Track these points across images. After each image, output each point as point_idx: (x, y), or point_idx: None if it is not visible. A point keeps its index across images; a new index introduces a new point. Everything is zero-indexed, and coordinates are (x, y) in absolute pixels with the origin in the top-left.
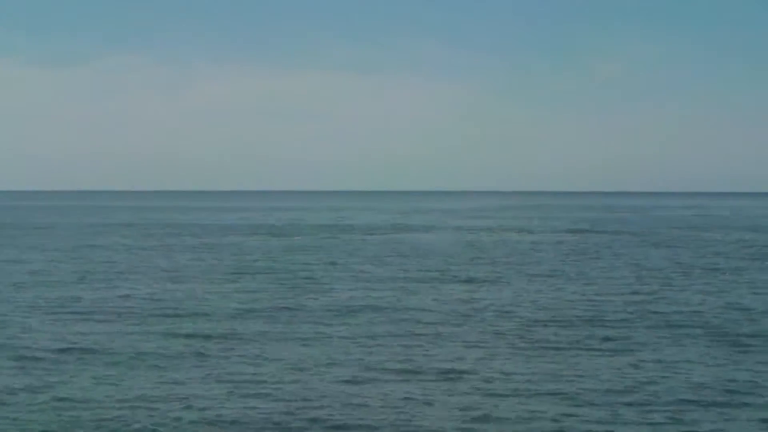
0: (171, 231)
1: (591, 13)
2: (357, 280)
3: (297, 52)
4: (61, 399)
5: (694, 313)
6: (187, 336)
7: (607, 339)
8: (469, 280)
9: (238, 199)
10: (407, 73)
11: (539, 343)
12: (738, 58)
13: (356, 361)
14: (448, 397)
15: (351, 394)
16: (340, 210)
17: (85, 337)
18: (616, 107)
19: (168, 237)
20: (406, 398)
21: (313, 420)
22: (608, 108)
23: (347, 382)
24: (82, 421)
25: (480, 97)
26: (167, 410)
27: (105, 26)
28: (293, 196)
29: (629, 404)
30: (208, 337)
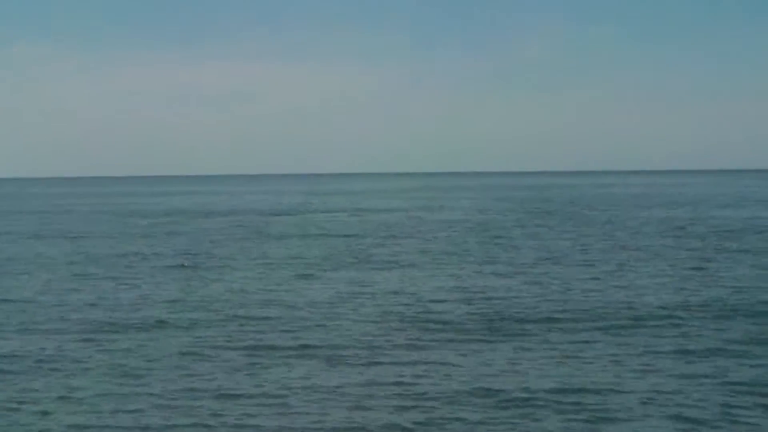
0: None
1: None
2: (255, 265)
3: (217, 41)
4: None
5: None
6: None
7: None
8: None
9: (161, 184)
10: (328, 58)
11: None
12: (654, 41)
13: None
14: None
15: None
16: (245, 194)
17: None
18: (536, 89)
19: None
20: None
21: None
22: (529, 89)
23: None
24: None
25: (401, 80)
26: None
27: (12, 14)
28: (220, 179)
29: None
30: None
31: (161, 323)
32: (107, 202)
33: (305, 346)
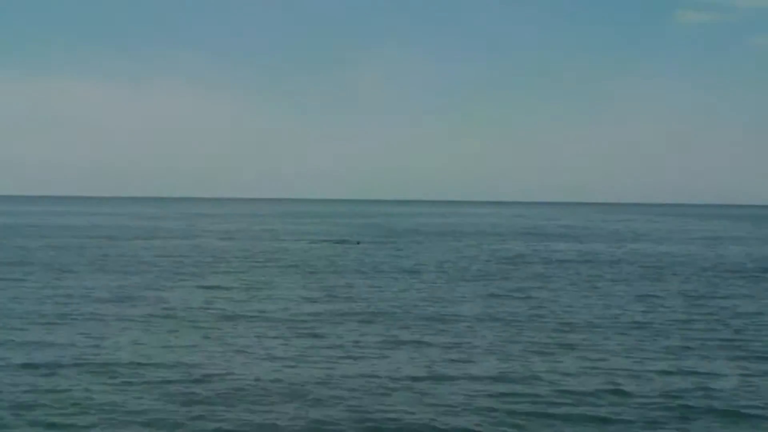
0: None
1: (349, 24)
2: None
3: (50, 58)
4: None
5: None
6: None
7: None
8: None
9: None
10: (167, 80)
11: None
12: (490, 63)
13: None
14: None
15: None
16: (75, 215)
17: None
18: (375, 114)
19: None
20: None
21: None
22: (368, 115)
23: None
24: None
25: (241, 105)
26: None
27: None
28: (44, 200)
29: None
30: None
31: None
32: None
33: None
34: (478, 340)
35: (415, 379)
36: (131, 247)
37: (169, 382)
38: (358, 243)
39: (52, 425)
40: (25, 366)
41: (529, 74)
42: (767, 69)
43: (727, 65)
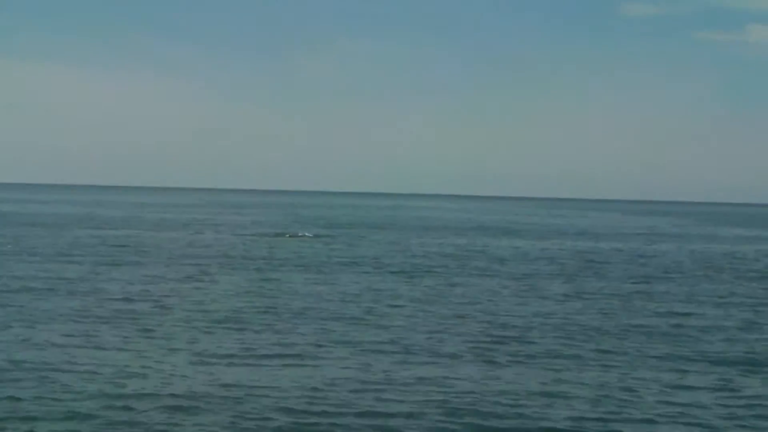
0: None
1: (298, 13)
2: None
3: (9, 41)
4: None
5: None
6: None
7: None
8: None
9: None
10: (130, 66)
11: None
12: (447, 58)
13: None
14: None
15: None
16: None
17: None
18: (325, 104)
19: None
20: None
21: None
22: (318, 105)
23: None
24: None
25: (198, 92)
26: None
27: None
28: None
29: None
30: None
31: None
32: None
33: None
34: (412, 338)
35: (348, 379)
36: (63, 235)
37: (92, 380)
38: (300, 235)
39: None
40: None
41: (478, 63)
42: (713, 63)
43: (674, 58)
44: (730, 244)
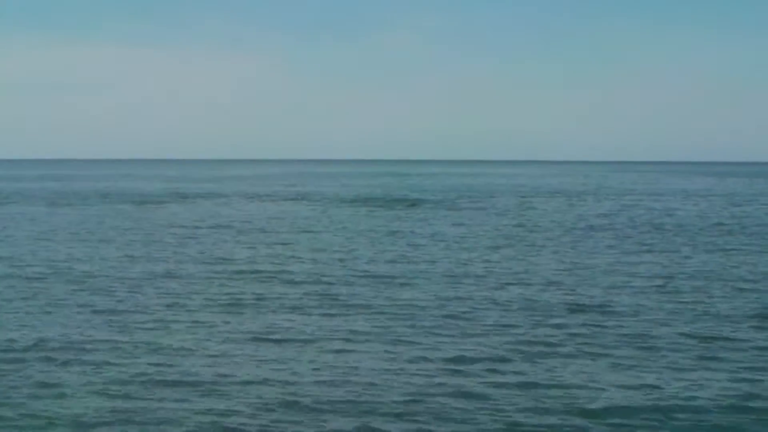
0: None
1: None
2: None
3: (75, 25)
4: None
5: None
6: None
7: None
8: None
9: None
10: (194, 46)
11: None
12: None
13: None
14: None
15: None
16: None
17: None
18: (403, 76)
19: None
20: None
21: None
22: (396, 77)
23: None
24: None
25: (270, 70)
26: None
27: None
28: (87, 164)
29: None
30: None
31: None
32: None
33: None
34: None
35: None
36: (163, 211)
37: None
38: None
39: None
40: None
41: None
42: None
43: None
44: None
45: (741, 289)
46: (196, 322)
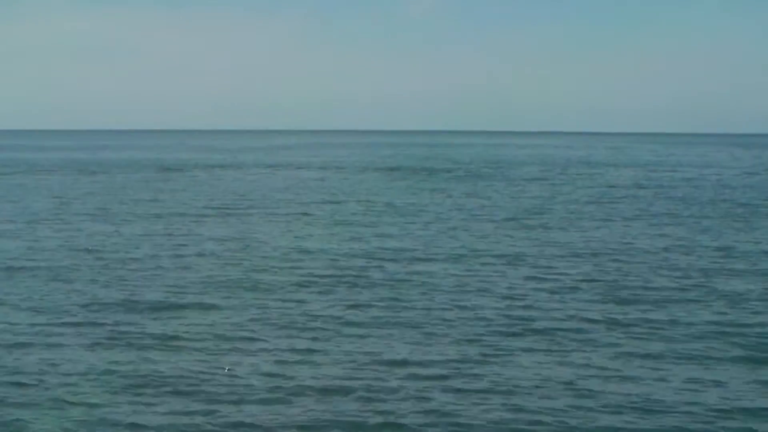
0: None
1: None
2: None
3: None
4: None
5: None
6: None
7: None
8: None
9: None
10: (216, 7)
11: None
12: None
13: None
14: None
15: None
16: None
17: None
18: (422, 46)
19: None
20: None
21: None
22: (415, 46)
23: None
24: None
25: (291, 36)
26: None
27: None
28: (111, 134)
29: None
30: None
31: None
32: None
33: None
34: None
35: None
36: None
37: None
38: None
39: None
40: None
41: None
42: None
43: None
44: None
45: None
46: (226, 298)
